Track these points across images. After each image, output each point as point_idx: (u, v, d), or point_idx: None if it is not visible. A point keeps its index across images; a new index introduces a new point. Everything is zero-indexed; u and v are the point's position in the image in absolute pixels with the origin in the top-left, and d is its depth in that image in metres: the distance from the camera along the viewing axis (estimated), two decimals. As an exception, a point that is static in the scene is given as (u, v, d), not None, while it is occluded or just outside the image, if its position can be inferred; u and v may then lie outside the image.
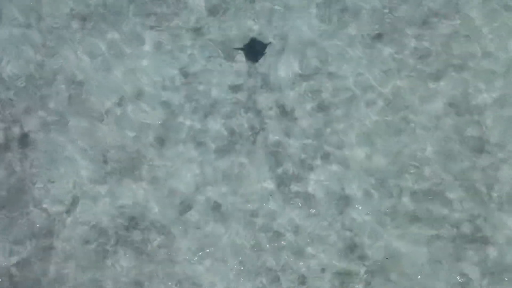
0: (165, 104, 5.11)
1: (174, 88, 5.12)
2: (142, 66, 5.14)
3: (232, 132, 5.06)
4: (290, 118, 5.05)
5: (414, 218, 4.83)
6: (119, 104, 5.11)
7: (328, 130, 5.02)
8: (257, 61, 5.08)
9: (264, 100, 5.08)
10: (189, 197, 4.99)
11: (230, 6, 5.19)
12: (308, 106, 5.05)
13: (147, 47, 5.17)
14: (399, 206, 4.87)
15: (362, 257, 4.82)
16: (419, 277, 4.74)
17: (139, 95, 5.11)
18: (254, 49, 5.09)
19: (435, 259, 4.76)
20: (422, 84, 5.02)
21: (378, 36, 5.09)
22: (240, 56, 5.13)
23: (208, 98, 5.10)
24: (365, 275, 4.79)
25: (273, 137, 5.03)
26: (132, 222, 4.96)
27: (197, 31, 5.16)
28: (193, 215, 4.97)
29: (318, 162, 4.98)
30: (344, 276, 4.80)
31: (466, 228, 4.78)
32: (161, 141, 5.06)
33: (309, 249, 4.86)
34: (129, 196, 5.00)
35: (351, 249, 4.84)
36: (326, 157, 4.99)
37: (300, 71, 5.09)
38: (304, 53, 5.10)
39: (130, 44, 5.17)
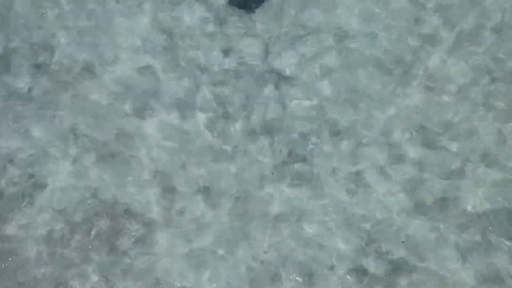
0: (147, 70, 4.38)
1: (157, 52, 4.42)
2: (121, 27, 4.45)
3: (223, 102, 4.29)
4: (292, 86, 4.28)
5: (443, 205, 3.97)
6: (93, 70, 4.41)
7: (336, 100, 4.24)
8: (254, 12, 4.35)
9: (261, 64, 4.32)
10: (173, 178, 4.18)
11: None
12: (314, 71, 4.28)
13: (126, 5, 4.46)
14: (424, 191, 4.02)
15: (380, 252, 3.94)
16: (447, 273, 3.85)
17: (116, 60, 4.41)
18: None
19: (465, 253, 3.88)
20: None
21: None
22: (234, 12, 4.40)
23: (197, 63, 4.36)
24: (383, 273, 3.91)
25: (272, 110, 4.25)
26: (105, 209, 4.15)
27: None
28: (177, 200, 4.15)
29: (326, 139, 4.18)
30: (358, 274, 3.92)
31: (501, 217, 3.92)
32: (140, 112, 4.31)
33: (316, 242, 3.99)
34: (102, 177, 4.21)
35: (367, 242, 3.97)
36: (335, 134, 4.19)
37: (304, 31, 4.34)
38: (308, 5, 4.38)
39: (107, 2, 4.47)
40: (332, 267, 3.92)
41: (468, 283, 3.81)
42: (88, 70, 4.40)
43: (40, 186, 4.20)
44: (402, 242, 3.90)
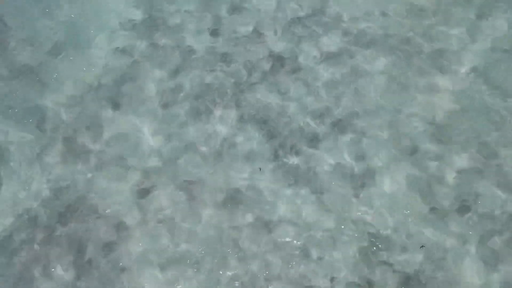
0: (124, 54, 3.93)
1: (136, 33, 3.99)
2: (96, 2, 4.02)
3: (208, 88, 3.80)
4: (286, 71, 3.78)
5: (462, 207, 3.39)
6: (63, 55, 3.96)
7: (336, 85, 3.74)
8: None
9: (254, 48, 3.83)
10: (151, 174, 3.66)
11: None
12: (311, 51, 3.77)
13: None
14: (441, 187, 3.44)
15: (391, 263, 3.33)
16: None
17: (90, 41, 3.98)
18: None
19: (488, 260, 3.27)
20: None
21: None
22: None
23: (181, 46, 3.89)
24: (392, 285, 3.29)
25: (263, 97, 3.76)
26: (71, 208, 3.62)
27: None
28: (155, 199, 3.61)
29: (324, 128, 3.64)
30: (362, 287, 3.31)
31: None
32: (116, 102, 3.84)
33: (314, 251, 3.41)
34: (70, 173, 3.72)
35: (374, 250, 3.37)
36: (335, 122, 3.67)
37: (302, 12, 3.87)
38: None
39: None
40: (332, 279, 3.31)
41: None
42: (59, 51, 3.98)
43: None
44: (422, 247, 3.30)
